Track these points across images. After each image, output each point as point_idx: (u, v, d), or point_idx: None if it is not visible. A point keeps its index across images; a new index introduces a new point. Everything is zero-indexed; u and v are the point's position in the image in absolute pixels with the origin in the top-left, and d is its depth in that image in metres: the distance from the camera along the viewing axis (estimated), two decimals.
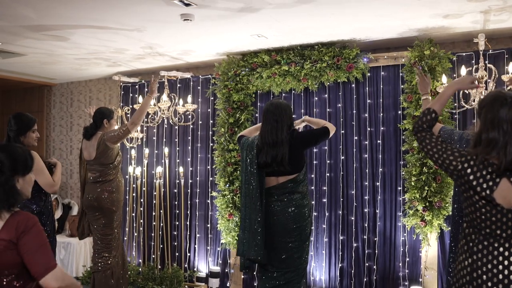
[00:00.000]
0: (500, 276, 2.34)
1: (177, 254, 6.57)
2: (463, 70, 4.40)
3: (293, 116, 4.20)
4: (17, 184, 2.38)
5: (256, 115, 6.07)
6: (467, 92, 4.49)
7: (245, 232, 4.09)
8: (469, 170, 2.42)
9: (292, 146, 3.93)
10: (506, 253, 2.35)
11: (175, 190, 6.65)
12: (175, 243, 6.61)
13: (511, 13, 4.43)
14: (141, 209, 6.72)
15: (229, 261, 6.21)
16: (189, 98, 6.23)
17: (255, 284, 5.97)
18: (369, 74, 5.52)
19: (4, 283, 2.25)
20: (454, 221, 3.69)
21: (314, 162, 5.79)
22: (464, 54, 5.14)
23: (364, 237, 5.55)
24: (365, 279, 5.52)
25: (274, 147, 3.89)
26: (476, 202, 2.42)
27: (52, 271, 2.22)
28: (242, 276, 6.09)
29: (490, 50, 5.00)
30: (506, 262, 2.34)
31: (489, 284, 2.36)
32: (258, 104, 6.10)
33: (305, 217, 4.04)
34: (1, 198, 2.28)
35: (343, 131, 5.65)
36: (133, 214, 6.80)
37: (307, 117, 4.51)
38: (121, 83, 7.10)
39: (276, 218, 4.00)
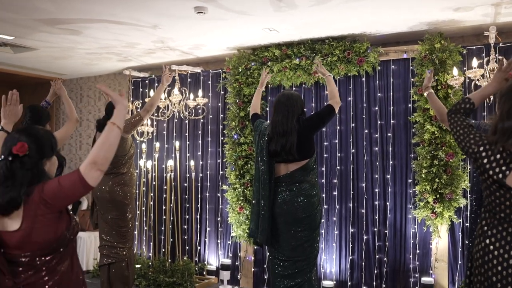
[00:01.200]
0: (511, 261, 2.38)
1: (187, 247, 6.63)
2: (475, 62, 4.43)
3: (304, 109, 4.22)
4: (45, 167, 2.42)
5: (267, 108, 6.12)
6: (478, 83, 4.52)
7: (253, 215, 4.18)
8: (484, 154, 2.47)
9: (300, 133, 3.97)
10: None
11: (186, 184, 6.71)
12: (185, 237, 6.67)
13: None
14: (151, 203, 6.77)
15: (239, 254, 6.26)
16: (200, 92, 6.28)
17: (265, 276, 6.03)
18: (379, 67, 5.57)
19: (32, 261, 2.31)
20: (472, 211, 3.74)
21: (325, 155, 5.84)
22: (474, 47, 5.18)
23: (375, 229, 5.59)
24: (375, 271, 5.57)
25: (284, 136, 3.95)
26: (490, 185, 2.47)
27: (80, 171, 2.23)
28: (253, 269, 6.15)
29: (501, 43, 5.04)
30: None
31: (499, 268, 2.40)
32: (269, 97, 6.15)
33: (315, 206, 4.09)
34: (31, 181, 2.33)
35: (353, 125, 5.70)
36: (144, 208, 6.86)
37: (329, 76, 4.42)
38: (131, 78, 7.16)
39: (286, 207, 4.05)
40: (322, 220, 5.74)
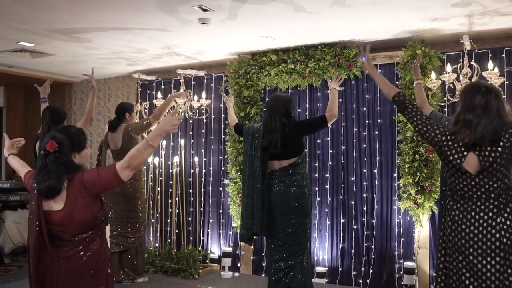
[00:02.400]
0: (474, 226, 2.92)
1: (191, 238, 7.14)
2: (449, 68, 4.95)
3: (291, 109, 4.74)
4: (75, 160, 2.95)
5: (265, 109, 6.61)
6: (451, 86, 5.02)
7: (247, 208, 4.70)
8: (445, 143, 3.02)
9: (287, 133, 4.51)
10: (477, 210, 2.94)
11: (190, 179, 7.22)
12: (190, 228, 7.18)
13: (492, 17, 4.97)
14: (158, 196, 7.29)
15: (240, 243, 6.77)
16: (203, 94, 6.80)
17: (263, 264, 6.54)
18: (367, 71, 6.06)
19: (72, 238, 2.84)
20: (442, 194, 4.28)
21: (318, 152, 6.35)
22: (452, 53, 5.68)
23: (363, 219, 6.10)
24: (364, 258, 6.07)
25: (270, 133, 4.53)
26: (450, 169, 3.03)
27: (116, 167, 2.78)
28: (252, 257, 6.66)
29: (476, 50, 5.52)
30: (477, 217, 2.94)
31: (463, 234, 2.96)
32: (267, 99, 6.63)
33: (306, 195, 4.63)
34: (63, 172, 2.85)
35: (344, 124, 6.21)
36: (151, 202, 7.36)
37: (334, 89, 4.92)
38: (139, 81, 7.69)
39: (281, 197, 4.59)
40: (315, 211, 6.27)
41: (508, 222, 2.88)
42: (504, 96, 5.30)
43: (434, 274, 3.28)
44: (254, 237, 4.93)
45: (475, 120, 2.91)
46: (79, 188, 2.80)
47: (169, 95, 5.99)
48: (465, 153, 2.93)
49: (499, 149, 2.87)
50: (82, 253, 2.85)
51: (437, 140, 3.08)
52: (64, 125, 3.35)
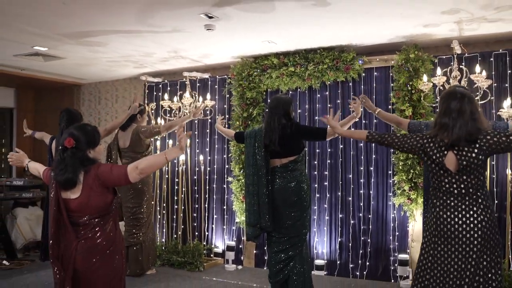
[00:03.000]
0: (454, 221, 3.26)
1: (196, 233, 7.46)
2: (439, 71, 5.28)
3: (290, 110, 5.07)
4: (89, 155, 3.28)
5: (267, 110, 6.94)
6: (441, 88, 5.33)
7: (254, 205, 5.02)
8: (427, 145, 3.37)
9: (287, 133, 4.85)
10: (458, 203, 3.28)
11: (195, 177, 7.55)
12: (195, 224, 7.51)
13: (480, 24, 5.29)
14: (165, 193, 7.62)
15: (242, 238, 7.10)
16: (208, 96, 7.12)
17: (265, 257, 6.85)
18: (364, 74, 6.40)
19: (89, 222, 3.18)
20: (426, 195, 4.60)
21: (317, 150, 6.67)
22: (444, 57, 5.99)
23: (360, 215, 6.42)
24: (361, 251, 6.39)
25: (270, 132, 4.87)
26: (433, 168, 3.35)
27: (127, 168, 3.14)
28: (254, 251, 6.99)
29: (466, 54, 5.85)
30: (459, 209, 3.27)
31: (449, 226, 3.28)
32: (268, 100, 6.96)
33: (304, 190, 4.96)
34: (79, 166, 3.19)
35: None
36: (158, 198, 7.69)
37: (356, 112, 5.08)
38: (146, 83, 8.02)
39: (281, 192, 4.92)
40: (315, 207, 6.60)
41: (483, 217, 3.23)
42: (492, 98, 5.65)
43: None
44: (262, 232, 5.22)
45: (451, 123, 3.26)
46: (93, 179, 3.16)
47: (185, 116, 6.40)
48: (445, 152, 3.28)
49: (475, 150, 3.21)
50: (98, 234, 3.20)
51: (419, 146, 3.44)
52: (80, 123, 3.68)
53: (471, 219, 3.22)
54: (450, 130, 3.26)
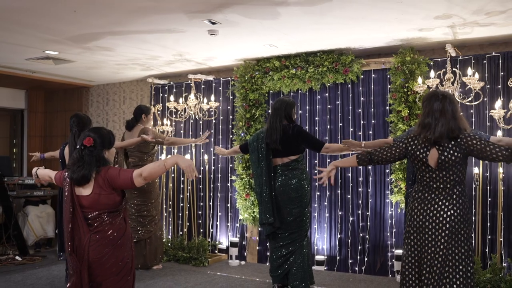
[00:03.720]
0: (426, 213, 3.55)
1: (201, 230, 7.71)
2: (432, 73, 5.51)
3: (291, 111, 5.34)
4: (105, 155, 3.56)
5: (269, 111, 7.18)
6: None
7: (262, 204, 5.27)
8: (411, 143, 3.68)
9: (289, 134, 5.12)
10: (436, 199, 3.55)
11: (200, 176, 7.78)
12: (200, 221, 7.76)
13: (472, 28, 5.50)
14: (171, 192, 7.88)
15: (246, 234, 7.35)
16: (212, 97, 7.37)
17: (268, 253, 7.08)
18: (362, 76, 6.63)
19: (100, 217, 3.45)
20: (407, 185, 4.88)
21: None
22: (439, 59, 6.20)
23: (359, 212, 6.65)
24: (359, 247, 6.62)
25: (273, 131, 5.18)
26: (416, 164, 3.62)
27: (132, 174, 3.41)
28: (257, 248, 7.23)
29: (461, 56, 6.06)
30: (433, 202, 3.55)
31: (427, 217, 3.55)
32: (271, 102, 7.23)
33: (304, 187, 5.21)
34: (94, 164, 3.46)
35: (341, 124, 6.77)
36: (164, 197, 7.94)
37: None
38: (152, 85, 8.28)
39: (282, 189, 5.19)
40: (315, 205, 6.84)
41: (453, 212, 3.50)
42: (486, 99, 5.87)
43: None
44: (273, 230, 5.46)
45: (433, 123, 3.52)
46: (102, 181, 3.44)
47: (192, 139, 6.79)
48: (429, 149, 3.54)
49: (454, 147, 3.48)
50: (108, 227, 3.47)
51: (405, 147, 3.72)
52: (97, 126, 3.96)
53: (441, 212, 3.50)
54: (432, 128, 3.52)
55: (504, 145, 3.47)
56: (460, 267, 3.49)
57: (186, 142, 6.87)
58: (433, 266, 3.51)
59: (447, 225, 3.48)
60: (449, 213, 3.49)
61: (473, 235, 3.66)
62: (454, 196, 3.52)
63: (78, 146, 3.54)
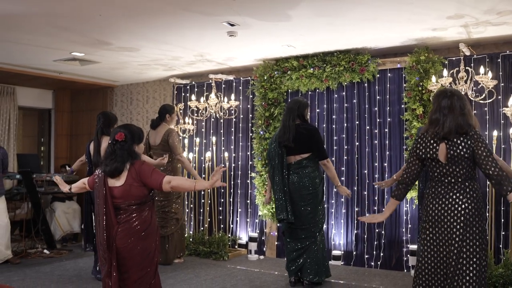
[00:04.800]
0: (441, 206, 3.65)
1: (222, 225, 7.92)
2: (445, 72, 5.64)
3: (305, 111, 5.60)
4: (135, 149, 3.83)
5: (285, 110, 7.37)
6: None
7: (276, 201, 5.48)
8: (419, 145, 3.77)
9: (302, 134, 5.33)
10: (450, 193, 3.66)
11: (225, 184, 7.98)
12: (221, 217, 7.98)
13: (486, 27, 5.60)
14: None
15: (265, 230, 7.54)
16: (232, 96, 7.59)
17: None
18: (378, 75, 6.77)
19: (128, 207, 3.70)
20: (422, 185, 5.01)
21: (334, 147, 7.07)
22: (454, 58, 6.30)
23: (375, 208, 6.79)
24: (375, 243, 6.76)
25: (285, 129, 5.43)
26: (427, 160, 3.75)
27: (163, 179, 3.65)
28: (276, 243, 7.42)
29: (475, 55, 6.16)
30: (447, 196, 3.66)
31: (439, 208, 3.67)
32: (289, 100, 7.39)
33: (316, 185, 5.43)
34: (127, 157, 3.74)
35: (357, 122, 6.92)
36: (186, 194, 8.16)
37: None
38: (175, 84, 8.52)
39: (295, 186, 5.44)
40: (332, 201, 7.00)
41: (467, 205, 3.59)
42: (500, 97, 5.97)
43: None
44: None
45: (442, 118, 3.64)
46: (134, 174, 3.69)
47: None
48: (438, 144, 3.66)
49: (463, 143, 3.59)
50: (134, 219, 3.71)
51: (416, 153, 3.80)
52: (128, 123, 4.24)
53: (456, 206, 3.59)
54: (441, 124, 3.64)
55: (500, 166, 3.55)
56: (474, 259, 3.57)
57: (192, 172, 6.90)
58: (448, 258, 3.62)
59: (462, 218, 3.56)
60: (463, 206, 3.58)
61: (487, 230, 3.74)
62: (468, 190, 3.61)
63: (110, 142, 3.81)
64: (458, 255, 3.57)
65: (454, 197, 3.62)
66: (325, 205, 6.35)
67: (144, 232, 3.73)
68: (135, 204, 3.71)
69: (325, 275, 5.61)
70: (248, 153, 7.85)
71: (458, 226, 3.58)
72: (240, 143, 7.93)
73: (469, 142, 3.58)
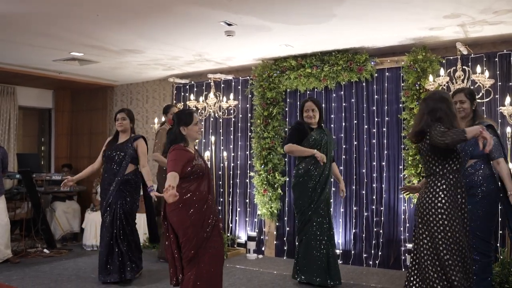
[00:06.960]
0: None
1: (221, 225, 7.92)
2: (442, 72, 5.65)
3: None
4: (183, 131, 4.13)
5: (286, 109, 7.42)
6: (444, 88, 5.68)
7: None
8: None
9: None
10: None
11: (220, 172, 8.03)
12: (220, 216, 7.98)
13: (482, 26, 5.62)
14: None
15: (264, 229, 7.56)
16: (231, 96, 7.61)
17: (285, 248, 7.31)
18: (376, 74, 6.79)
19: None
20: None
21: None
22: (451, 57, 6.31)
23: (373, 207, 6.81)
24: (373, 242, 6.78)
25: None
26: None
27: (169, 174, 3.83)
28: (275, 242, 7.44)
29: (472, 54, 6.18)
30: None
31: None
32: (288, 100, 7.44)
33: (294, 183, 5.94)
34: (174, 137, 4.12)
35: (355, 121, 6.94)
36: None
37: None
38: (174, 84, 8.55)
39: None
40: (331, 200, 6.99)
41: (428, 199, 3.79)
42: (497, 96, 5.98)
43: None
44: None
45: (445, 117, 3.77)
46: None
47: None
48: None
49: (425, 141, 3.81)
50: (184, 190, 4.01)
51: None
52: (179, 110, 5.02)
53: (419, 197, 3.94)
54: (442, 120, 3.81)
55: (447, 132, 3.59)
56: (429, 243, 3.82)
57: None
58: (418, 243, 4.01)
59: (417, 206, 3.89)
60: (421, 198, 3.86)
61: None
62: (427, 185, 3.85)
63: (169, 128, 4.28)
64: (417, 241, 3.98)
65: (424, 189, 3.92)
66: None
67: (179, 206, 4.06)
68: (183, 178, 4.04)
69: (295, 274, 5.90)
70: (247, 152, 7.87)
71: (416, 215, 3.96)
72: (239, 143, 7.95)
73: (427, 142, 3.77)
